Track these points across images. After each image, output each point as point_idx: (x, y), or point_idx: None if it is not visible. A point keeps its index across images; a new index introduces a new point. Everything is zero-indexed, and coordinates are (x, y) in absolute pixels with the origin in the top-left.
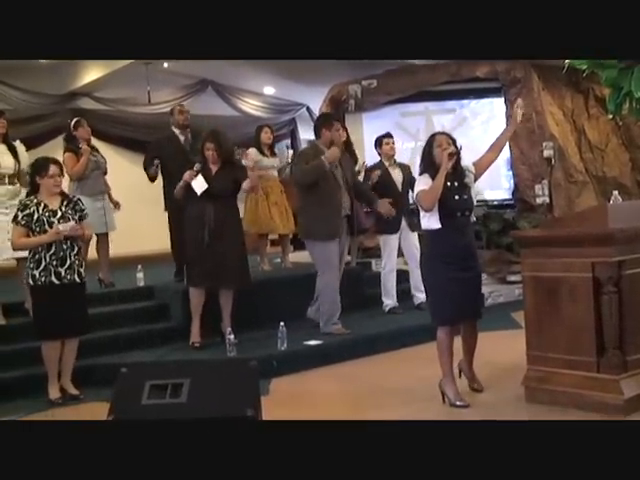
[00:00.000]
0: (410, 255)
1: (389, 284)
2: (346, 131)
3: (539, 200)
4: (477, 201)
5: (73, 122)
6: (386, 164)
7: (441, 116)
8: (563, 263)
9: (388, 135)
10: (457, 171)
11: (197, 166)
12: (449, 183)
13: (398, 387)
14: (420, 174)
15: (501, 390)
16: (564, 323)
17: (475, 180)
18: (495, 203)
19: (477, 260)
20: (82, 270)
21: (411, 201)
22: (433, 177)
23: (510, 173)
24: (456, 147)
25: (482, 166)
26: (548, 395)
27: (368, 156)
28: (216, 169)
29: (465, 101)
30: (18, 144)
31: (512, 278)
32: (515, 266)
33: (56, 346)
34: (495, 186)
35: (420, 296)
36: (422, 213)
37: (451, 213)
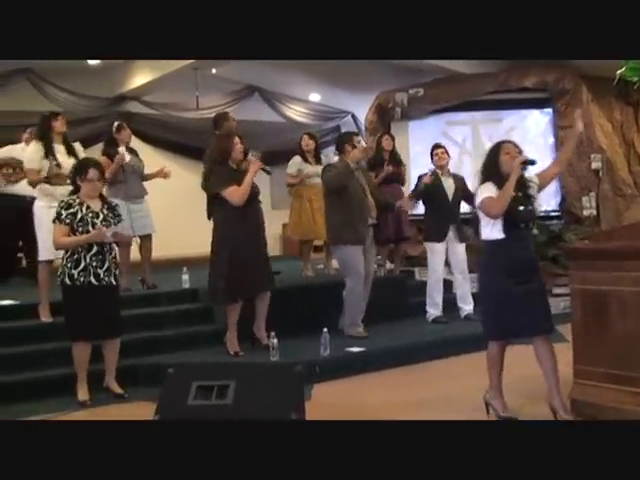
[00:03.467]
0: (457, 266)
1: (435, 293)
2: (393, 140)
3: (586, 212)
4: None
5: (115, 125)
6: (439, 173)
7: (488, 125)
8: (613, 277)
9: (437, 146)
10: (522, 181)
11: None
12: (514, 193)
13: (442, 396)
14: (482, 182)
15: (547, 404)
16: (612, 338)
17: (538, 192)
18: (542, 214)
19: (539, 273)
20: (117, 273)
21: (463, 210)
22: (498, 185)
23: (557, 184)
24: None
25: (545, 179)
26: (594, 410)
27: (414, 164)
28: (243, 172)
29: (512, 111)
30: (77, 145)
31: (557, 291)
32: (560, 279)
33: (87, 347)
34: (542, 197)
35: (466, 308)
36: (484, 222)
37: (515, 223)
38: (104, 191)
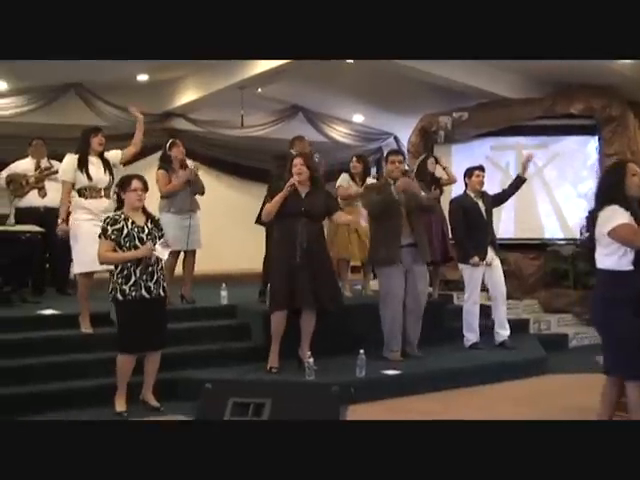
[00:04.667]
0: (496, 289)
1: (471, 318)
2: (437, 162)
3: None
4: (565, 239)
5: (169, 142)
6: (472, 195)
7: (532, 151)
8: None
9: (480, 168)
10: None
11: (293, 180)
12: None
13: None
14: (604, 205)
15: None
16: None
17: None
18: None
19: None
20: (165, 284)
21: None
22: (627, 209)
23: None
24: None
25: None
26: None
27: (457, 188)
28: (306, 191)
29: (558, 137)
30: (113, 152)
31: None
32: None
33: (133, 360)
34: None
35: (504, 333)
36: (609, 250)
37: None
38: (155, 206)
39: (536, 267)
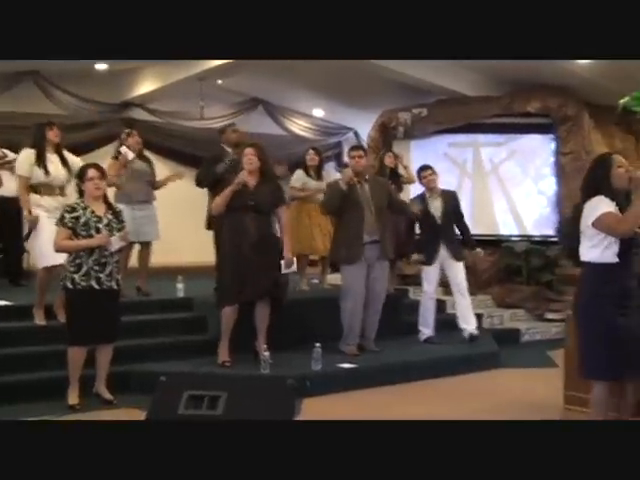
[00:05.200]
0: (454, 285)
1: (427, 312)
2: (395, 158)
3: None
4: (520, 236)
5: (125, 132)
6: (427, 195)
7: (489, 148)
8: None
9: (424, 168)
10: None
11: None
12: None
13: (430, 417)
14: (590, 196)
15: None
16: None
17: None
18: (538, 239)
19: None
20: (119, 277)
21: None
22: (613, 199)
23: (555, 209)
24: None
25: None
26: None
27: (416, 184)
28: (255, 183)
29: (514, 135)
30: (72, 156)
31: (550, 316)
32: (554, 304)
33: (83, 352)
34: (540, 222)
35: (469, 328)
36: (593, 242)
37: (629, 247)
38: (111, 196)
39: (490, 263)
